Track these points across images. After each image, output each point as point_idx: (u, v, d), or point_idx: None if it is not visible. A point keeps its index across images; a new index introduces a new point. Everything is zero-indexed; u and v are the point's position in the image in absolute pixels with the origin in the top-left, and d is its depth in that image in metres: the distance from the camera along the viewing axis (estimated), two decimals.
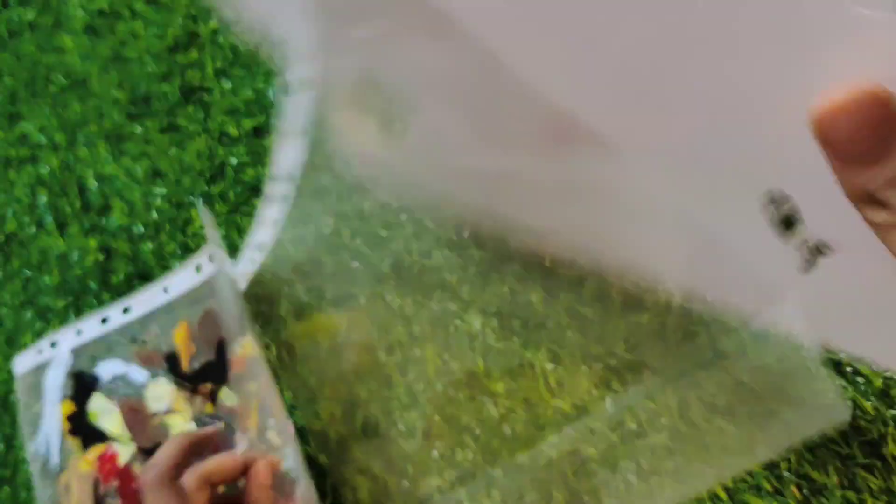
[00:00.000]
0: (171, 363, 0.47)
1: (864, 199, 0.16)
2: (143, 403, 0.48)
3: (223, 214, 0.47)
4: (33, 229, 0.52)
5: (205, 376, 0.47)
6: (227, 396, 0.46)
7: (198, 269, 0.47)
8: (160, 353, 0.48)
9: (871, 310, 0.21)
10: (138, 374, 0.48)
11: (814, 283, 0.20)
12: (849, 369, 0.34)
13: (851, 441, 0.34)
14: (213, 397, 0.46)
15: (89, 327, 0.49)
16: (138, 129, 0.50)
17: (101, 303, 0.50)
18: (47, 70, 0.53)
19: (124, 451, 0.47)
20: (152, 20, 0.51)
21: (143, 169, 0.50)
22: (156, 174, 0.49)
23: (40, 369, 0.50)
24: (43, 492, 0.49)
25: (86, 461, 0.48)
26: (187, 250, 0.48)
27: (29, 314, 0.53)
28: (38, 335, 0.52)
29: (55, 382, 0.49)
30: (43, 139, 0.53)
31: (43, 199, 0.52)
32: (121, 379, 0.48)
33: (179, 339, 0.47)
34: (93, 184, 0.51)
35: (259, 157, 0.48)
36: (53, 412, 0.49)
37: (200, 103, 0.50)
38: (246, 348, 0.46)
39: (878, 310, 0.20)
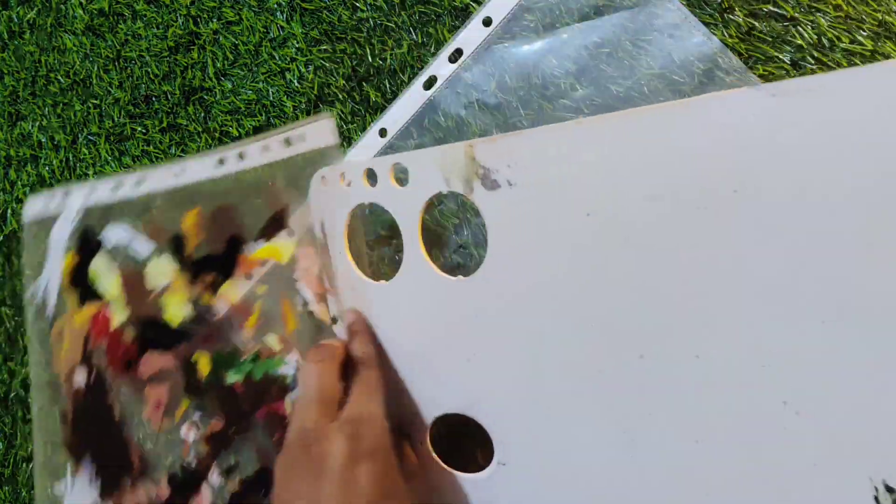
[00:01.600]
0: (177, 245, 0.46)
1: None
2: (144, 276, 0.47)
3: None
4: None
5: (209, 266, 0.45)
6: (229, 291, 0.45)
7: (220, 161, 0.45)
8: (167, 231, 0.46)
9: None
10: (143, 246, 0.47)
11: None
12: None
13: None
14: (213, 289, 0.45)
15: (102, 190, 0.48)
16: (139, 129, 0.50)
17: None
18: (48, 70, 0.53)
19: (117, 315, 0.47)
20: (153, 20, 0.51)
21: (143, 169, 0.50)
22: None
23: (48, 220, 0.50)
24: (36, 331, 0.50)
25: (80, 315, 0.48)
26: None
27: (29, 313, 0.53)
28: None
29: (62, 233, 0.49)
30: (44, 139, 0.53)
31: None
32: (125, 247, 0.47)
33: (189, 223, 0.46)
34: None
35: None
36: (57, 260, 0.49)
37: (201, 103, 0.50)
38: (274, 252, 0.43)
39: None
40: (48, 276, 0.49)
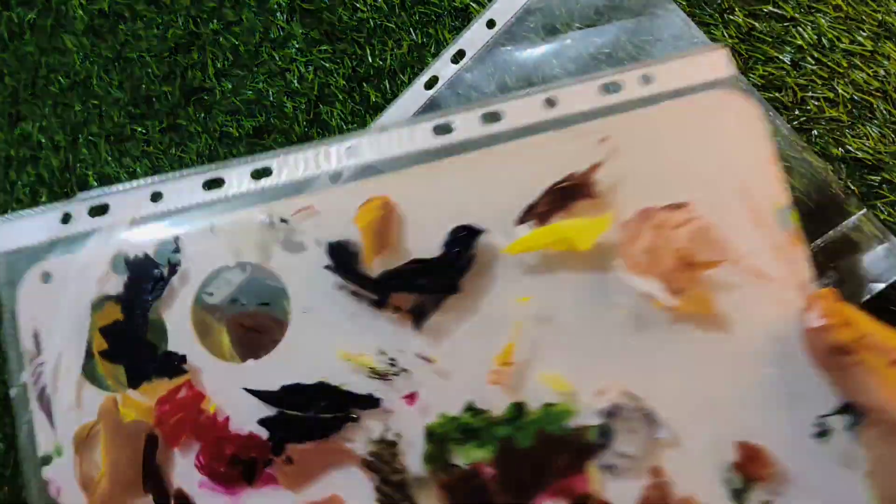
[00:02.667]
0: (340, 256, 0.29)
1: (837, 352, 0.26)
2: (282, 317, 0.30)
3: None
4: None
5: (409, 282, 0.29)
6: (453, 320, 0.29)
7: (439, 129, 0.30)
8: (313, 238, 0.30)
9: None
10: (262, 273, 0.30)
11: None
12: None
13: None
14: (418, 318, 0.29)
15: (173, 191, 0.31)
16: (139, 130, 0.50)
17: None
18: (48, 70, 0.53)
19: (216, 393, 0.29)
20: (153, 21, 0.51)
21: (143, 169, 0.50)
22: (156, 174, 0.50)
23: (51, 246, 0.31)
24: (30, 447, 0.30)
25: (132, 404, 0.30)
26: None
27: None
28: None
29: (85, 271, 0.31)
30: (43, 139, 0.53)
31: (43, 198, 0.52)
32: (227, 278, 0.30)
33: (365, 220, 0.29)
34: (94, 184, 0.51)
35: None
36: (72, 320, 0.30)
37: (201, 104, 0.50)
38: (559, 236, 0.28)
39: None
40: (57, 350, 0.30)
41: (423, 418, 0.29)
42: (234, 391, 0.29)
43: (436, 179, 0.30)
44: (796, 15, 0.38)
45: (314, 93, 0.47)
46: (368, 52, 0.46)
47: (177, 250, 0.30)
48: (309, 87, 0.47)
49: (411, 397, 0.29)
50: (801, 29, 0.38)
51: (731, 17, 0.39)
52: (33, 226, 0.32)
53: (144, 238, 0.31)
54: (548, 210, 0.28)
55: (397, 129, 0.30)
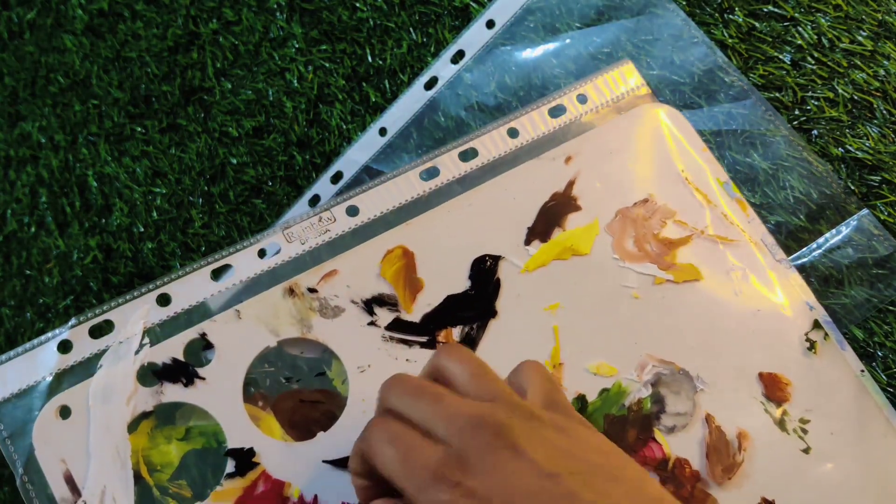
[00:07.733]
0: (379, 306, 0.31)
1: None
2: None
3: (223, 214, 0.48)
4: (33, 229, 0.52)
5: (450, 317, 0.31)
6: (499, 340, 0.30)
7: (425, 174, 0.33)
8: (348, 300, 0.30)
9: None
10: (306, 348, 0.30)
11: None
12: None
13: None
14: (469, 346, 0.30)
15: (181, 289, 0.31)
16: (139, 130, 0.50)
17: (101, 303, 0.50)
18: (48, 70, 0.53)
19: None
20: (153, 20, 0.51)
21: (143, 169, 0.50)
22: (156, 174, 0.50)
23: (58, 379, 0.30)
24: None
25: None
26: (188, 250, 0.48)
27: (29, 314, 0.53)
28: (39, 335, 0.52)
29: (108, 394, 0.29)
30: (43, 139, 0.53)
31: (43, 198, 0.52)
32: (277, 357, 0.29)
33: (390, 271, 0.32)
34: (93, 184, 0.51)
35: (259, 157, 0.48)
36: (109, 449, 0.28)
37: (201, 103, 0.50)
38: (563, 249, 0.32)
39: None
40: (99, 486, 0.27)
41: None
42: (312, 469, 0.28)
43: (442, 222, 0.33)
44: (796, 15, 0.38)
45: (314, 92, 0.47)
46: (368, 51, 0.46)
47: (208, 346, 0.30)
48: (309, 87, 0.47)
49: None
50: (801, 29, 0.38)
51: (731, 16, 0.39)
52: (28, 365, 0.31)
53: (166, 343, 0.30)
54: (546, 228, 0.33)
55: (387, 183, 0.34)
